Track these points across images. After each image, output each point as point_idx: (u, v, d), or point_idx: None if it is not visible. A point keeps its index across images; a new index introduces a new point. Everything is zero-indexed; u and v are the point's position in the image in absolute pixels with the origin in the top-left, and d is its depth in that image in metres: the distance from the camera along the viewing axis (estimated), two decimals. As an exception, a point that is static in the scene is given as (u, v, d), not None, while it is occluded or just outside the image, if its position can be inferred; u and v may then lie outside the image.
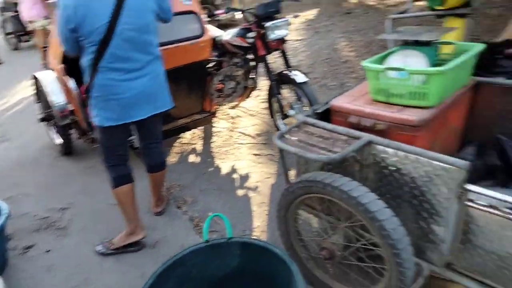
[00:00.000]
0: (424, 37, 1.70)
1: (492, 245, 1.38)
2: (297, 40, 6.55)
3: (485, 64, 2.12)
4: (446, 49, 2.05)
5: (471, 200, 1.37)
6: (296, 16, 8.35)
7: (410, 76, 1.66)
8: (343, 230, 1.73)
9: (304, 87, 2.91)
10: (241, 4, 8.31)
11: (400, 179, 1.56)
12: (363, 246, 1.64)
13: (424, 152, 1.44)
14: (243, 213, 2.64)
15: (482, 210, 1.35)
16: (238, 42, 3.07)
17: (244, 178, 3.04)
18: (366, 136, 1.59)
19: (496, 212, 1.31)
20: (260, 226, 2.49)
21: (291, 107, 3.16)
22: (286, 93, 3.29)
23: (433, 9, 2.09)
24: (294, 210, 1.86)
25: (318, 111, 1.97)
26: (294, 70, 3.07)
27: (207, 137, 3.78)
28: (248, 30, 3.01)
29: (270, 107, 3.43)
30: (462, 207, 1.40)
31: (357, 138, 1.62)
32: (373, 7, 7.85)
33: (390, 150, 1.55)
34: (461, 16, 2.04)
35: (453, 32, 2.14)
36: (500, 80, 2.00)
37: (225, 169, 3.20)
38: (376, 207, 1.44)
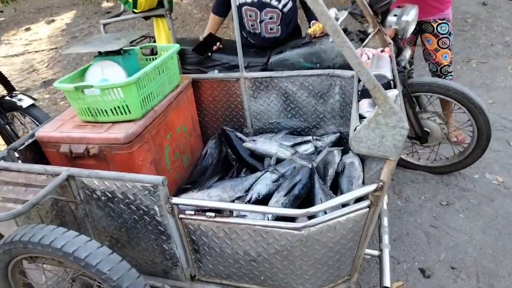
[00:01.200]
0: (107, 47, 1.55)
1: (216, 248, 1.38)
2: (52, 49, 5.77)
3: (200, 60, 2.17)
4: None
5: (182, 212, 1.32)
6: (51, 22, 7.41)
7: (104, 91, 1.50)
8: (79, 278, 1.49)
9: (32, 111, 2.46)
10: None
11: (117, 208, 1.40)
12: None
13: (123, 175, 1.30)
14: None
15: (193, 219, 1.32)
16: None
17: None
18: (65, 171, 1.36)
19: (202, 218, 1.29)
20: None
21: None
22: (22, 120, 2.76)
23: (135, 12, 1.99)
24: (15, 278, 1.49)
25: (20, 148, 1.62)
26: (19, 94, 2.56)
27: None
28: None
29: (6, 140, 2.83)
30: (177, 220, 1.34)
31: (58, 174, 1.37)
32: (134, 4, 7.62)
33: (95, 180, 1.36)
34: (160, 16, 2.01)
35: (162, 34, 2.11)
36: (211, 74, 2.08)
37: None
38: (86, 252, 1.24)
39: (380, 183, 1.10)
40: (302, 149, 2.02)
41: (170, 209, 1.31)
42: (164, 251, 1.46)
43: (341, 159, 1.90)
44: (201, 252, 1.41)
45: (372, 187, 1.11)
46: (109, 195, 1.37)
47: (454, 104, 2.09)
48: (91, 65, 1.68)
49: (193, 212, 1.30)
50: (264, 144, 1.92)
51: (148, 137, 1.65)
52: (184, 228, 1.36)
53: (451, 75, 2.38)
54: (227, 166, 2.08)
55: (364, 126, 1.00)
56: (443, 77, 2.35)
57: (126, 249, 1.50)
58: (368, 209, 1.17)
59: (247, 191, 1.73)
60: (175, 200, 1.29)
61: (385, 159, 1.08)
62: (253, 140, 1.93)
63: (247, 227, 1.25)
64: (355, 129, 1.06)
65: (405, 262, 1.80)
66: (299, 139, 2.03)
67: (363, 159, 1.86)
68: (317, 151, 1.95)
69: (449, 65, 2.35)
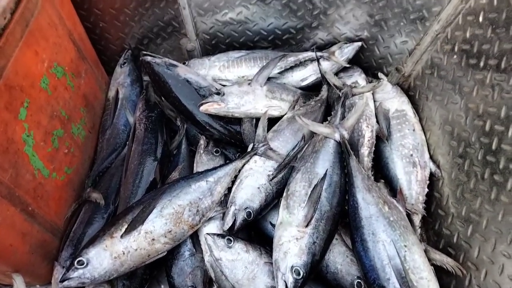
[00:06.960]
0: None
1: None
2: None
3: None
4: None
5: None
6: None
7: None
8: None
9: None
10: None
11: None
12: None
13: None
14: None
15: None
16: None
17: None
18: None
19: None
20: None
21: None
22: None
23: None
24: None
25: None
26: None
27: None
28: None
29: None
30: None
31: None
32: None
33: None
34: None
35: None
36: None
37: None
38: None
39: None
40: (297, 76, 1.11)
41: None
42: None
43: (374, 102, 1.05)
44: None
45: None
46: None
47: None
48: None
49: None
50: (238, 96, 0.94)
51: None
52: None
53: None
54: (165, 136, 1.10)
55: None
56: None
57: None
58: None
59: (220, 204, 0.88)
60: None
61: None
62: (218, 98, 0.92)
63: None
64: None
65: None
66: (291, 59, 1.08)
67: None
68: (326, 80, 1.06)
69: None
